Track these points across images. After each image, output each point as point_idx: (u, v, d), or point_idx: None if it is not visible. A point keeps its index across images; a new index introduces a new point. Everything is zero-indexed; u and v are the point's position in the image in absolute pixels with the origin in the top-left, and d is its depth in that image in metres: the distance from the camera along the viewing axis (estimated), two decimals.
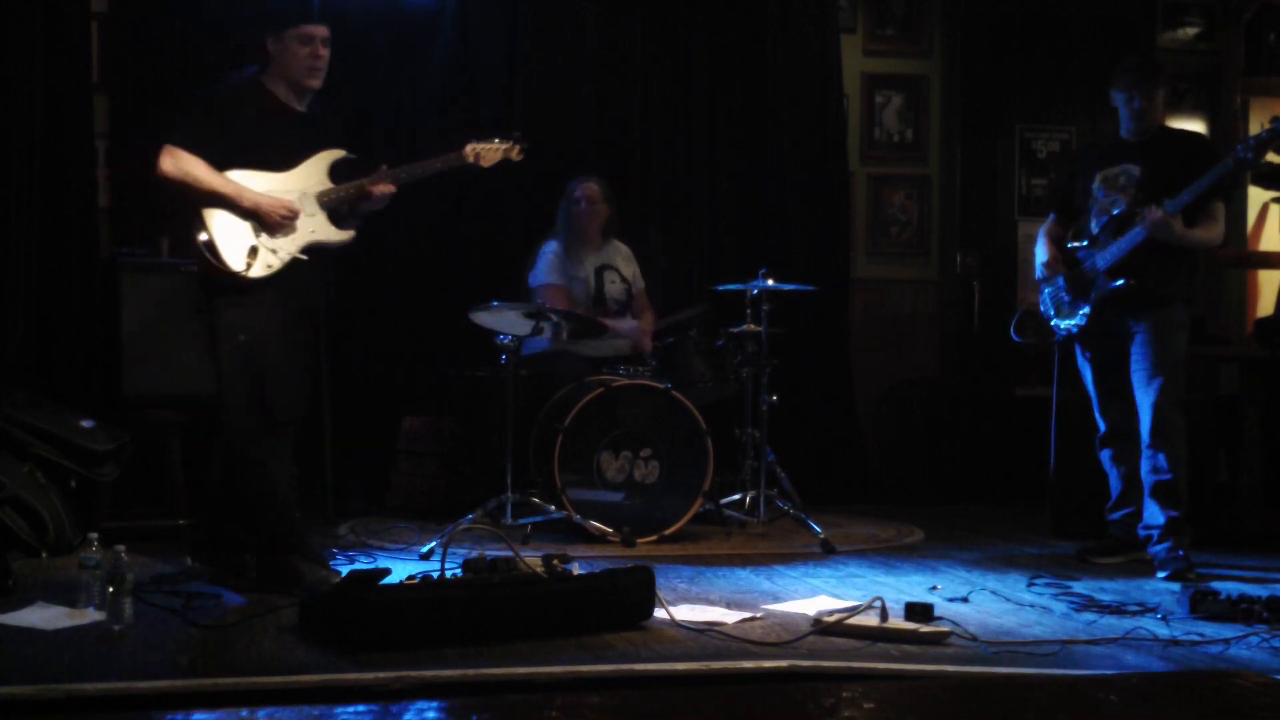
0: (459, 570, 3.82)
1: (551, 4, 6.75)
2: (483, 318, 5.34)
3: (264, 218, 4.26)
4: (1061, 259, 5.18)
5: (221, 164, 4.26)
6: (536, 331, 5.36)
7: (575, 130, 6.73)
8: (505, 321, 5.34)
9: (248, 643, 3.57)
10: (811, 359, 6.99)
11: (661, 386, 5.55)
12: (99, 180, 6.06)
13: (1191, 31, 7.60)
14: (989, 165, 7.45)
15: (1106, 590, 4.52)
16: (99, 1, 6.12)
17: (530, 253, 6.08)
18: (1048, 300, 5.23)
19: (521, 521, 5.30)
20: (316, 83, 4.38)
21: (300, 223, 4.34)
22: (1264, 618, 3.96)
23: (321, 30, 4.35)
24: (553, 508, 5.35)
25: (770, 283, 5.71)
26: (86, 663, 3.33)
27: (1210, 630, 3.89)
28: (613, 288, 6.07)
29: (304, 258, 4.34)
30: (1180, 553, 4.87)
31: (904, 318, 7.50)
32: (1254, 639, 3.79)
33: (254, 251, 4.25)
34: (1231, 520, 5.90)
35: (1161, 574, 4.83)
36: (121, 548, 3.66)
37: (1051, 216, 5.36)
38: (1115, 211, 4.99)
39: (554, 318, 5.35)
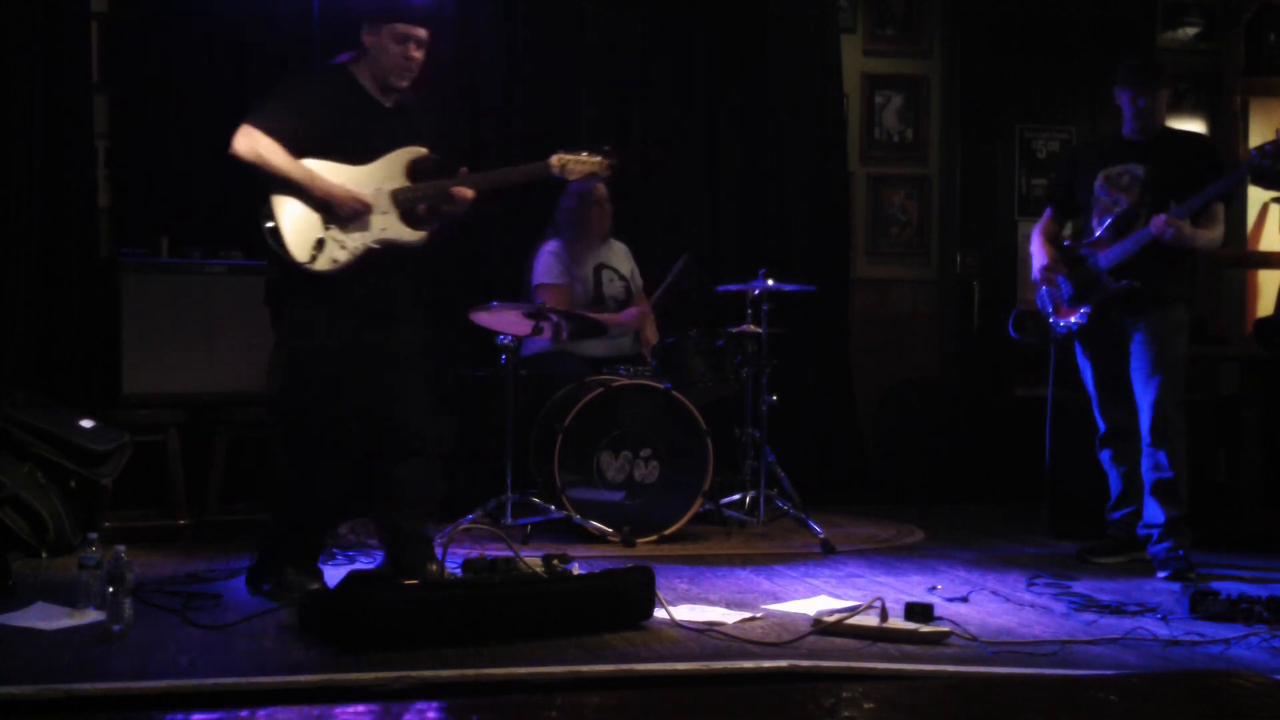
0: (459, 570, 3.82)
1: (551, 3, 6.75)
2: (483, 318, 5.34)
3: (335, 208, 4.12)
4: (1061, 257, 5.18)
5: (299, 151, 4.12)
6: (536, 331, 5.35)
7: (575, 130, 6.73)
8: (505, 321, 5.35)
9: (248, 643, 3.57)
10: (811, 359, 6.99)
11: (661, 386, 5.55)
12: (99, 180, 6.06)
13: (1191, 31, 7.60)
14: (989, 165, 7.45)
15: (1106, 590, 4.52)
16: (99, 1, 6.11)
17: (529, 253, 6.08)
18: (1046, 298, 5.23)
19: (521, 521, 5.31)
20: (404, 83, 4.27)
21: (372, 219, 4.18)
22: (1264, 618, 3.96)
23: (419, 32, 4.22)
24: (553, 508, 5.35)
25: (770, 283, 5.72)
26: (86, 663, 3.33)
27: (1210, 630, 3.89)
28: (611, 286, 6.07)
29: (376, 247, 4.18)
30: (1180, 552, 4.87)
31: (904, 318, 7.49)
32: (1254, 639, 3.80)
33: (320, 244, 4.10)
34: (1231, 520, 5.90)
35: (1161, 574, 4.83)
36: (121, 548, 3.66)
37: (1047, 212, 5.36)
38: (1118, 211, 4.99)
39: (554, 318, 5.36)
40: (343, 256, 4.14)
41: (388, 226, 4.22)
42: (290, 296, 4.17)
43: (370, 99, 4.27)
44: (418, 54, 4.24)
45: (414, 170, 4.29)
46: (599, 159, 4.48)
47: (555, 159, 4.43)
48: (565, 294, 5.84)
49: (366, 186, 4.19)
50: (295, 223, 4.10)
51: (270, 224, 4.09)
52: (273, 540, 4.26)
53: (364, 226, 4.18)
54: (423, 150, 4.31)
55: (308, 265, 4.09)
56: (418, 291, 4.45)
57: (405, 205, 4.25)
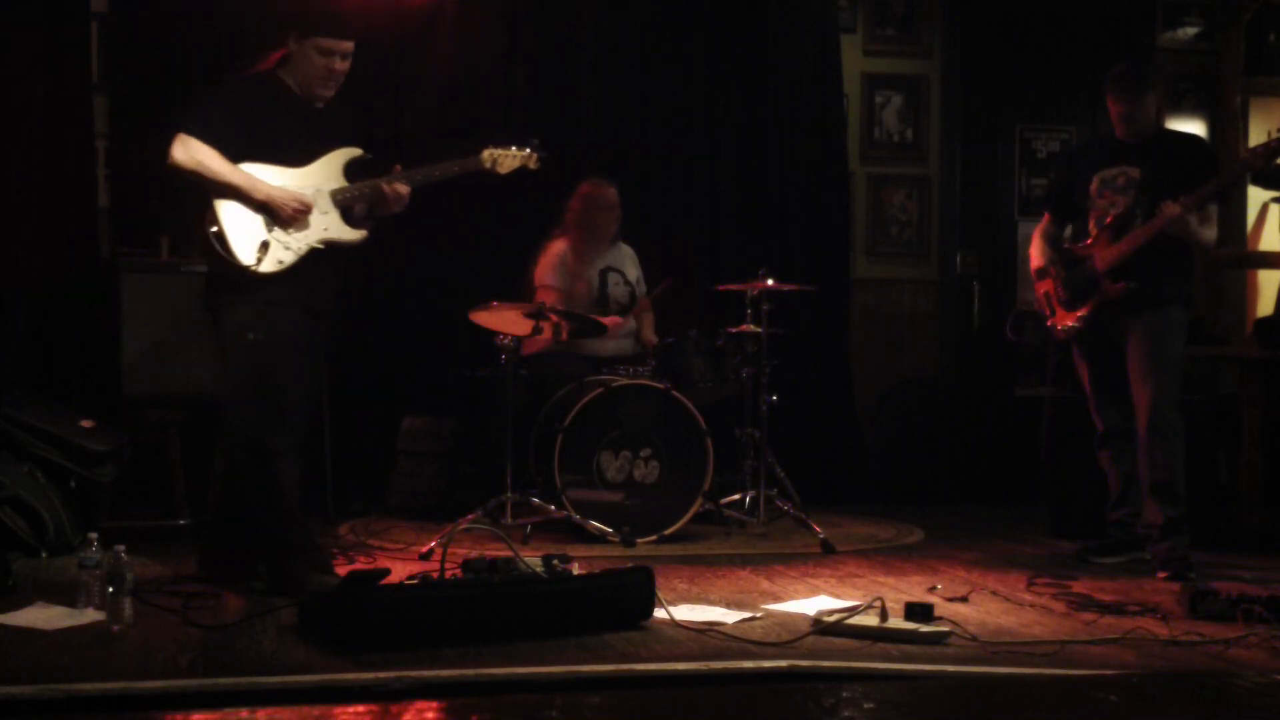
0: (459, 570, 3.82)
1: (551, 4, 6.75)
2: (483, 318, 5.34)
3: (276, 211, 4.19)
4: (1059, 260, 5.18)
5: (236, 156, 4.19)
6: (536, 332, 5.36)
7: (575, 130, 6.73)
8: (505, 321, 5.35)
9: (248, 643, 3.57)
10: (811, 359, 6.99)
11: (661, 386, 5.55)
12: (99, 180, 6.06)
13: (1191, 31, 7.60)
14: (989, 165, 7.45)
15: (1106, 590, 4.52)
16: (99, 1, 6.12)
17: (532, 249, 6.06)
18: (1045, 301, 5.23)
19: (521, 521, 5.30)
20: (327, 94, 4.35)
21: (313, 219, 4.27)
22: (1264, 618, 3.96)
23: (344, 46, 4.29)
24: (553, 508, 5.35)
25: (770, 283, 5.71)
26: (86, 663, 3.33)
27: (1210, 630, 3.89)
28: (616, 289, 6.06)
29: (319, 247, 4.27)
30: (1180, 552, 4.87)
31: (904, 318, 7.50)
32: (1254, 639, 3.79)
33: (265, 246, 4.18)
34: (1231, 520, 5.90)
35: (1161, 574, 4.83)
36: (121, 548, 3.66)
37: (1046, 215, 5.37)
38: (1114, 213, 5.00)
39: (554, 317, 5.35)
40: (288, 258, 4.24)
41: (329, 226, 4.32)
42: (233, 300, 4.23)
43: (300, 102, 4.34)
44: (342, 66, 4.33)
45: (350, 170, 4.40)
46: (527, 152, 4.64)
47: (486, 153, 4.58)
48: (564, 298, 5.83)
49: (306, 188, 4.29)
50: (239, 227, 4.19)
51: (214, 228, 4.17)
52: (273, 548, 4.26)
53: (306, 227, 4.28)
54: (358, 151, 4.42)
55: (254, 268, 4.18)
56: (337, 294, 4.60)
57: (344, 205, 4.35)
